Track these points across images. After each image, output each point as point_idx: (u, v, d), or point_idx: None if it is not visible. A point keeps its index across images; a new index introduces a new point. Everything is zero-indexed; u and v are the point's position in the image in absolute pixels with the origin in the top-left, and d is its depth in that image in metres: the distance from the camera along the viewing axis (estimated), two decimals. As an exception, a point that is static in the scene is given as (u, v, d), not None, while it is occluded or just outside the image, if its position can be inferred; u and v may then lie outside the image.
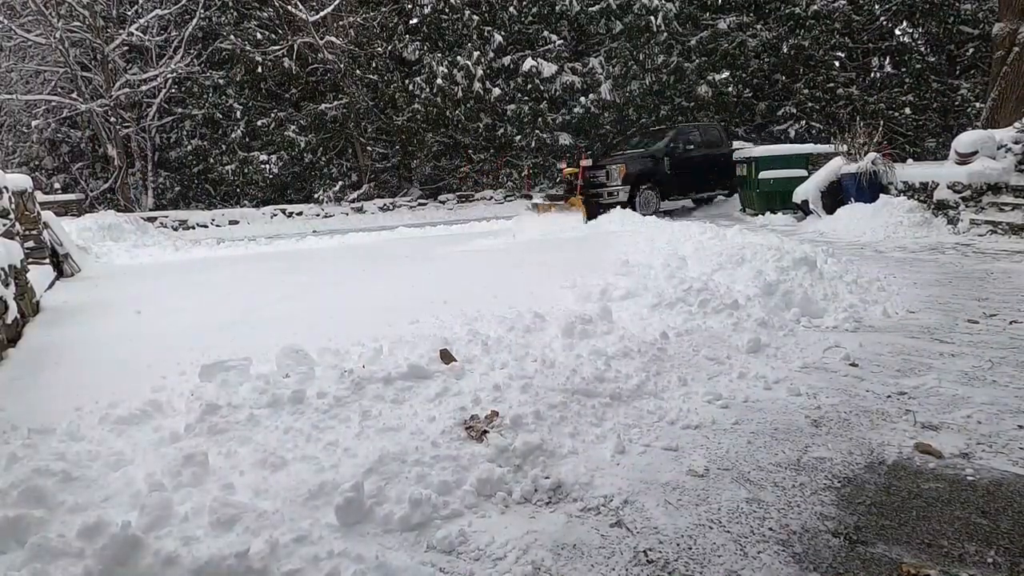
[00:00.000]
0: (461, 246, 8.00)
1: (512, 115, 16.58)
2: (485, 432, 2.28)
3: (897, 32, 18.22)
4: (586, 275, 4.60)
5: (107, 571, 1.53)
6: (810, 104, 17.59)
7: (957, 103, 17.45)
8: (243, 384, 2.60)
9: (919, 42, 17.98)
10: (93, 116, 15.16)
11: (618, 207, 10.17)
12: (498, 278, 5.19)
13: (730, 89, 16.69)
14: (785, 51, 17.22)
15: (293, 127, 17.06)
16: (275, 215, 16.28)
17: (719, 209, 12.24)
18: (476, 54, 16.30)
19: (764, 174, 10.03)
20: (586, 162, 11.15)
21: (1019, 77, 9.22)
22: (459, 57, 16.25)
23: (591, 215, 10.01)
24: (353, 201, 17.04)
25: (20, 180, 6.57)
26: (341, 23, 16.77)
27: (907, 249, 6.32)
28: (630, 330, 3.35)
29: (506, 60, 16.88)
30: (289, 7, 15.74)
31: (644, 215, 10.18)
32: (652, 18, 16.17)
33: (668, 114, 17.40)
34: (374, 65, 17.32)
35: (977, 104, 16.05)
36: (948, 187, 7.20)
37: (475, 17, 16.58)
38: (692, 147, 11.78)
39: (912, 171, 8.37)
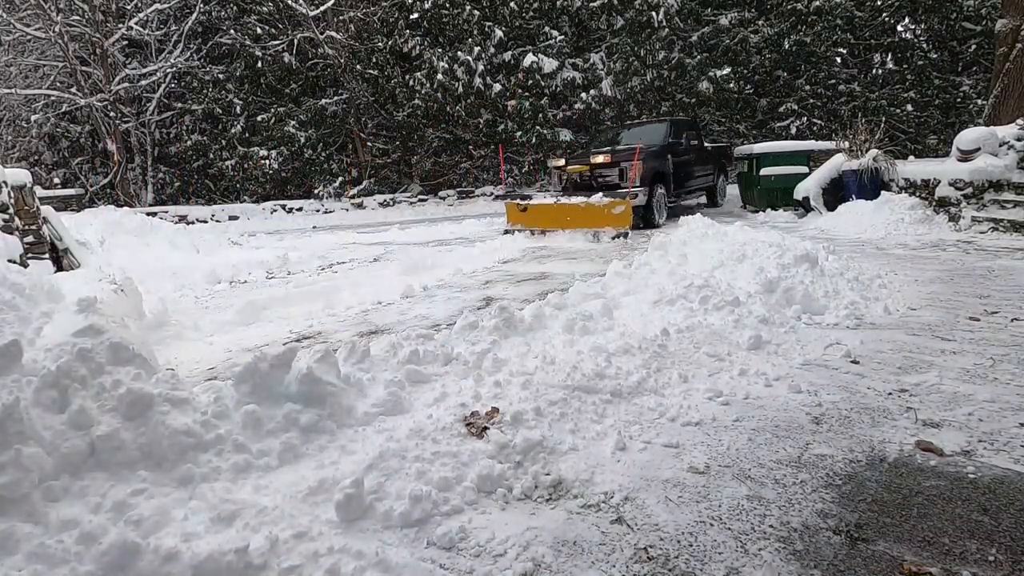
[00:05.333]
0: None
1: (513, 111, 16.54)
2: (485, 428, 2.28)
3: (899, 28, 18.18)
4: (587, 271, 4.59)
5: (108, 566, 1.53)
6: (812, 100, 17.56)
7: (959, 100, 17.41)
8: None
9: (921, 38, 17.93)
10: (92, 111, 15.14)
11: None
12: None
13: (731, 85, 16.67)
14: (787, 47, 17.18)
15: (293, 122, 17.03)
16: (275, 211, 16.27)
17: (720, 206, 12.23)
18: (477, 49, 16.26)
19: (765, 171, 10.02)
20: (599, 158, 8.95)
21: (1022, 74, 9.18)
22: (460, 52, 16.21)
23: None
24: (353, 197, 17.03)
25: (19, 175, 6.55)
26: (341, 18, 16.73)
27: (908, 246, 6.31)
28: (631, 327, 3.34)
29: (507, 56, 16.84)
30: (289, 2, 15.68)
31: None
32: (653, 14, 16.14)
33: (670, 110, 17.37)
34: (374, 60, 17.28)
35: (979, 101, 16.01)
36: (950, 184, 7.18)
37: (476, 12, 16.54)
38: (684, 142, 10.42)
39: (913, 168, 8.35)
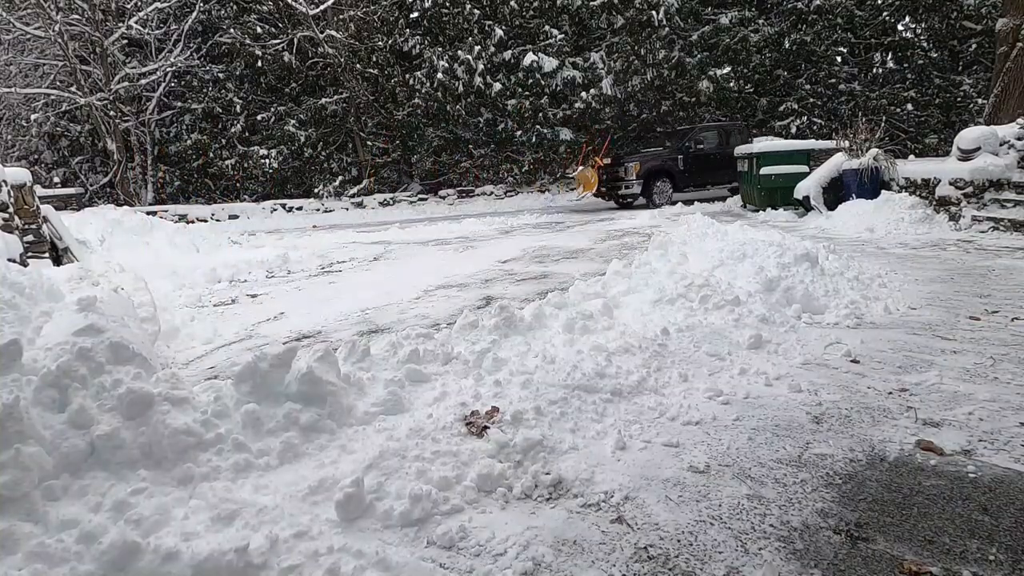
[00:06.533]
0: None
1: (513, 110, 16.53)
2: (485, 428, 2.28)
3: (900, 27, 18.16)
4: (587, 271, 4.59)
5: (108, 565, 1.53)
6: (812, 100, 17.55)
7: (959, 99, 17.40)
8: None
9: (922, 37, 17.92)
10: (92, 110, 15.13)
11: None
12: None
13: (732, 84, 16.66)
14: (787, 46, 17.17)
15: (293, 121, 17.02)
16: (275, 210, 16.26)
17: (720, 205, 12.23)
18: (477, 48, 16.25)
19: (765, 170, 10.02)
20: (605, 160, 13.36)
21: (1022, 73, 9.18)
22: (460, 51, 16.21)
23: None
24: (353, 196, 17.02)
25: (19, 174, 6.55)
26: (341, 17, 16.72)
27: (908, 245, 6.30)
28: (631, 326, 3.34)
29: (507, 55, 16.83)
30: (289, 0, 15.67)
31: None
32: (654, 13, 16.13)
33: (669, 109, 17.37)
34: (374, 59, 17.27)
35: (979, 100, 16.01)
36: (950, 183, 7.18)
37: (476, 11, 16.53)
38: (706, 144, 13.23)
39: (914, 167, 8.35)
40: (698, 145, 13.11)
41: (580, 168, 13.42)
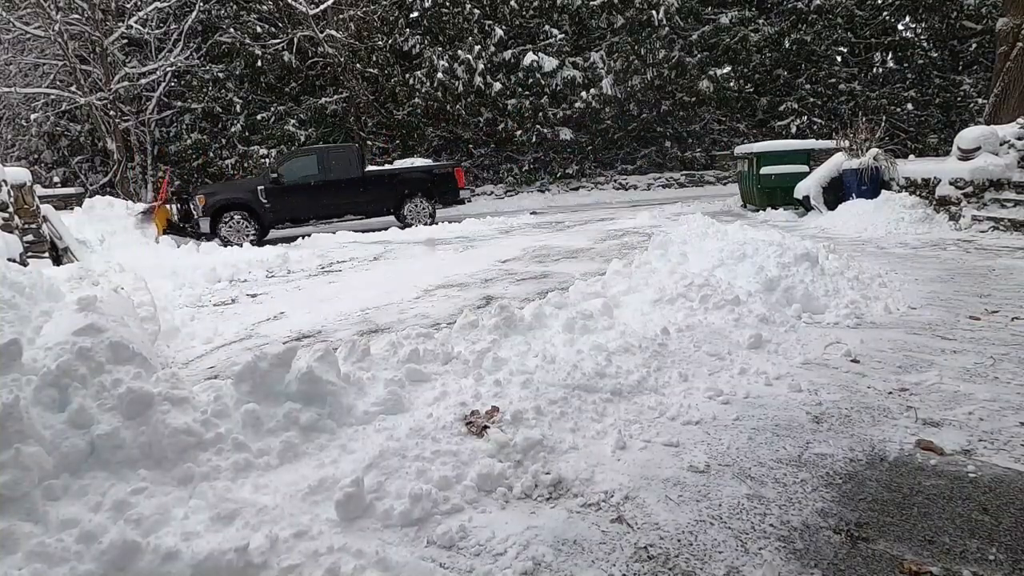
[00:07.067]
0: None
1: (513, 110, 16.52)
2: (485, 427, 2.28)
3: (900, 27, 18.15)
4: (587, 270, 4.59)
5: (108, 564, 1.53)
6: (812, 99, 17.54)
7: (959, 99, 17.39)
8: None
9: (922, 37, 17.91)
10: (92, 109, 15.11)
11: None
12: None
13: (732, 84, 16.65)
14: (787, 46, 17.16)
15: (293, 121, 17.00)
16: (275, 209, 16.21)
17: (720, 205, 12.23)
18: (477, 48, 16.24)
19: (765, 170, 10.02)
20: (170, 193, 11.67)
21: (1022, 73, 9.18)
22: (460, 51, 16.20)
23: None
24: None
25: (19, 173, 6.56)
26: (341, 16, 16.70)
27: (908, 245, 6.30)
28: (631, 326, 3.34)
29: (507, 54, 16.82)
30: (289, 0, 15.66)
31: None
32: (654, 12, 16.13)
33: (669, 109, 17.36)
34: (374, 59, 17.26)
35: (980, 100, 16.01)
36: (950, 183, 7.18)
37: (476, 11, 16.52)
38: (301, 174, 11.30)
39: (914, 167, 8.35)
40: (284, 176, 11.20)
41: (158, 204, 11.12)
